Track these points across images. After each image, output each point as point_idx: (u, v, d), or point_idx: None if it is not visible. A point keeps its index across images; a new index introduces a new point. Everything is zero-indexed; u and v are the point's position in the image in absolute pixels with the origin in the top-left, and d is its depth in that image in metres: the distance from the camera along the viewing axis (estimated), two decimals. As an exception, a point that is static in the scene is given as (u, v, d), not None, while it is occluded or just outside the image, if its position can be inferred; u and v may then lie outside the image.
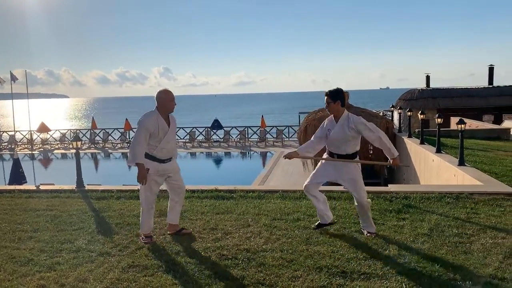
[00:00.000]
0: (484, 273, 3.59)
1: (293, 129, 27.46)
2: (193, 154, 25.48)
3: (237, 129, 28.53)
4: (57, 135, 30.19)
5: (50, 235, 4.94)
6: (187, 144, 27.94)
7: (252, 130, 28.32)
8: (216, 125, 27.84)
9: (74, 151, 7.79)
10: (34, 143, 28.82)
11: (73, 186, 7.44)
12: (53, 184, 8.18)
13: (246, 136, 27.89)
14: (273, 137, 27.53)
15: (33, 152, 26.47)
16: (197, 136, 28.67)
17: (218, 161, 24.69)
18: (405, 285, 3.40)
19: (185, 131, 29.38)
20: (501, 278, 3.51)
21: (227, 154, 25.36)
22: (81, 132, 30.32)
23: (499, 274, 3.58)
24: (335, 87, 4.72)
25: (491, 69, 25.46)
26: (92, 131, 29.66)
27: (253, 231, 4.81)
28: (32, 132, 28.76)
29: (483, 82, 25.43)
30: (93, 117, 31.35)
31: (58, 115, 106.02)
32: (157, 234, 4.86)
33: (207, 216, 5.52)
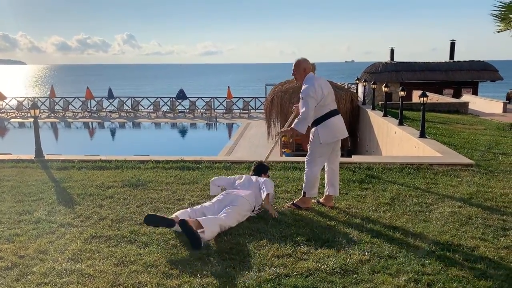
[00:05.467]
0: (442, 240, 3.75)
1: (259, 101, 27.40)
2: (157, 125, 25.06)
3: (203, 100, 28.19)
4: (13, 103, 28.87)
5: (7, 206, 4.75)
6: (151, 114, 27.42)
7: (219, 101, 28.05)
8: (182, 95, 27.38)
9: (32, 119, 7.46)
10: (-11, 112, 27.50)
11: (31, 156, 7.16)
12: (10, 154, 7.84)
13: (212, 107, 27.63)
14: (240, 109, 27.41)
15: (-13, 120, 25.28)
16: (162, 107, 28.16)
17: (183, 132, 24.42)
18: (367, 252, 3.50)
19: (149, 101, 28.78)
20: (457, 244, 3.67)
21: (193, 125, 25.09)
22: (40, 101, 29.11)
23: (455, 240, 3.74)
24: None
25: (452, 44, 26.05)
26: (51, 99, 28.55)
27: (219, 201, 4.79)
28: (-14, 99, 27.38)
29: (445, 57, 26.05)
30: (52, 85, 30.10)
31: (15, 82, 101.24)
32: (120, 204, 4.77)
33: (173, 186, 5.46)
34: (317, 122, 4.50)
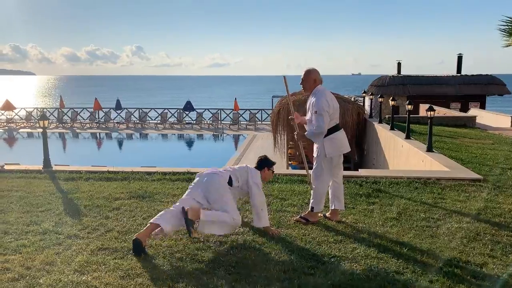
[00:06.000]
0: (450, 256, 3.71)
1: (266, 113, 27.47)
2: (164, 136, 25.17)
3: (210, 112, 28.33)
4: (22, 113, 29.17)
5: (15, 217, 4.78)
6: (158, 125, 27.56)
7: (225, 113, 28.16)
8: (189, 107, 27.54)
9: (40, 130, 7.53)
10: (-2, 122, 27.80)
11: (39, 167, 7.21)
12: (18, 164, 7.90)
13: (219, 118, 27.73)
14: (246, 120, 27.48)
15: (-3, 130, 25.53)
16: (169, 118, 28.31)
17: (190, 143, 24.50)
18: (374, 267, 3.48)
19: (156, 112, 28.97)
20: (465, 261, 3.63)
21: (199, 136, 25.16)
22: (49, 111, 29.39)
23: (463, 257, 3.70)
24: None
25: (459, 58, 26.03)
26: (60, 110, 28.82)
27: (225, 214, 4.79)
28: (-4, 110, 27.70)
29: (452, 70, 25.99)
30: (61, 96, 30.42)
31: (24, 93, 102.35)
32: (127, 216, 4.78)
33: (179, 198, 5.45)
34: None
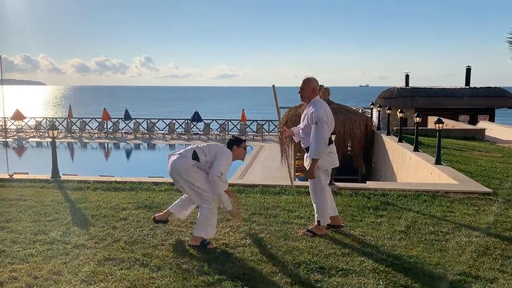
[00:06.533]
0: (459, 270, 3.66)
1: (273, 124, 27.48)
2: (172, 146, 25.25)
3: (217, 122, 28.41)
4: (32, 123, 29.46)
5: (23, 226, 4.81)
6: (166, 136, 27.67)
7: (233, 124, 28.22)
8: (196, 117, 27.65)
9: (49, 139, 7.60)
10: (8, 131, 28.04)
11: (48, 176, 7.26)
12: (27, 174, 7.97)
13: (226, 129, 27.79)
14: (253, 131, 27.50)
15: (6, 140, 25.76)
16: (177, 128, 28.42)
17: (197, 154, 24.52)
18: (382, 281, 3.44)
19: (164, 122, 29.10)
20: (475, 276, 3.58)
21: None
22: (57, 121, 29.65)
23: (473, 272, 3.65)
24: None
25: (468, 70, 25.95)
26: (68, 120, 29.07)
27: (232, 226, 4.79)
28: (6, 119, 27.95)
29: (461, 83, 25.90)
30: (70, 106, 30.70)
31: (34, 103, 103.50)
32: (134, 227, 4.78)
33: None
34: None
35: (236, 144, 4.39)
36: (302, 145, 4.69)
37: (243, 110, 27.97)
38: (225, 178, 4.20)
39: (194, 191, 4.20)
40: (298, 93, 4.53)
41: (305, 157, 4.58)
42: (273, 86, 4.81)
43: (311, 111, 4.39)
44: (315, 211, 4.58)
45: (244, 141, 4.51)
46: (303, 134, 4.60)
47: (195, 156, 4.18)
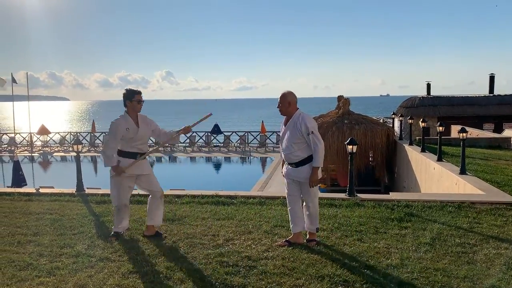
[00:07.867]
0: (488, 284, 3.56)
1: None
2: (193, 159, 25.44)
3: (237, 134, 28.53)
4: (57, 137, 30.16)
5: (49, 239, 4.90)
6: (187, 148, 27.92)
7: (252, 135, 28.30)
8: (216, 130, 27.82)
9: (74, 154, 7.76)
10: (34, 146, 28.77)
11: (73, 190, 7.40)
12: (52, 188, 8.13)
13: (246, 141, 27.87)
14: (273, 143, 27.51)
15: (33, 154, 26.41)
16: (197, 141, 28.65)
17: (217, 166, 24.64)
18: (408, 295, 3.37)
19: (185, 135, 29.37)
20: (505, 289, 3.48)
21: (227, 159, 25.31)
22: (81, 135, 30.27)
23: (503, 285, 3.54)
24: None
25: (491, 78, 25.49)
26: (92, 134, 29.64)
27: (255, 238, 4.77)
28: (32, 134, 28.70)
29: (483, 91, 25.46)
30: (93, 120, 31.34)
31: (59, 118, 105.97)
32: (157, 239, 4.82)
33: (208, 222, 5.48)
34: (310, 158, 4.52)
35: (128, 99, 4.88)
36: (283, 154, 4.70)
37: (262, 121, 28.03)
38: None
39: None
40: (277, 107, 4.66)
41: (305, 170, 4.56)
42: (210, 114, 5.55)
43: (299, 122, 4.50)
44: (311, 219, 4.66)
45: (140, 92, 4.96)
46: (287, 144, 4.60)
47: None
